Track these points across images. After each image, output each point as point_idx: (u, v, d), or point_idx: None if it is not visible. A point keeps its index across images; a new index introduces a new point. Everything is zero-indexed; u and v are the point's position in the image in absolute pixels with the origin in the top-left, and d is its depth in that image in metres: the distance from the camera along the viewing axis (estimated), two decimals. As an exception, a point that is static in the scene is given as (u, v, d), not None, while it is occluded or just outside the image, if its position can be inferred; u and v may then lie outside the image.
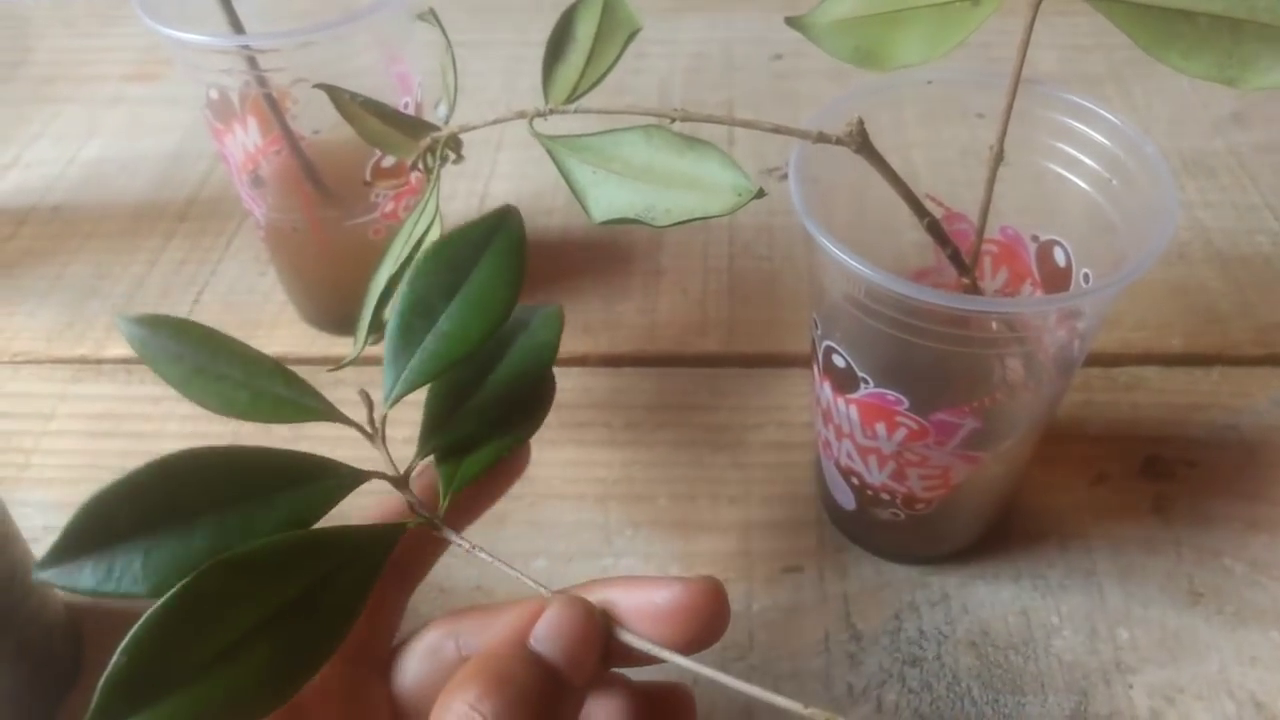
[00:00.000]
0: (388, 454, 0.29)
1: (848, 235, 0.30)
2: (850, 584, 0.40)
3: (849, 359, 0.34)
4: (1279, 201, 0.56)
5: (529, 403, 0.31)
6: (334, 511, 0.26)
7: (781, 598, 0.40)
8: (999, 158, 0.31)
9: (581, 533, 0.42)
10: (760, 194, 0.26)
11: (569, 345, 0.49)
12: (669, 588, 0.25)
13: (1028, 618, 0.39)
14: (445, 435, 0.29)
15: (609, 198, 0.28)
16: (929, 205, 0.32)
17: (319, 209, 0.45)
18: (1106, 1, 0.27)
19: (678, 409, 0.47)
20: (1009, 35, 0.30)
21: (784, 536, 0.42)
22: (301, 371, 0.28)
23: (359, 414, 0.29)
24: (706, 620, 0.25)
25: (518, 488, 0.43)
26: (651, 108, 0.29)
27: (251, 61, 0.40)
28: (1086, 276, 0.35)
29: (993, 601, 0.39)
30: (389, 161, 0.44)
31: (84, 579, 0.23)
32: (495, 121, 0.31)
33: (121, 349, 0.50)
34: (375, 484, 0.28)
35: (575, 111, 0.31)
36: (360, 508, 0.29)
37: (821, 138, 0.29)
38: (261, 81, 0.40)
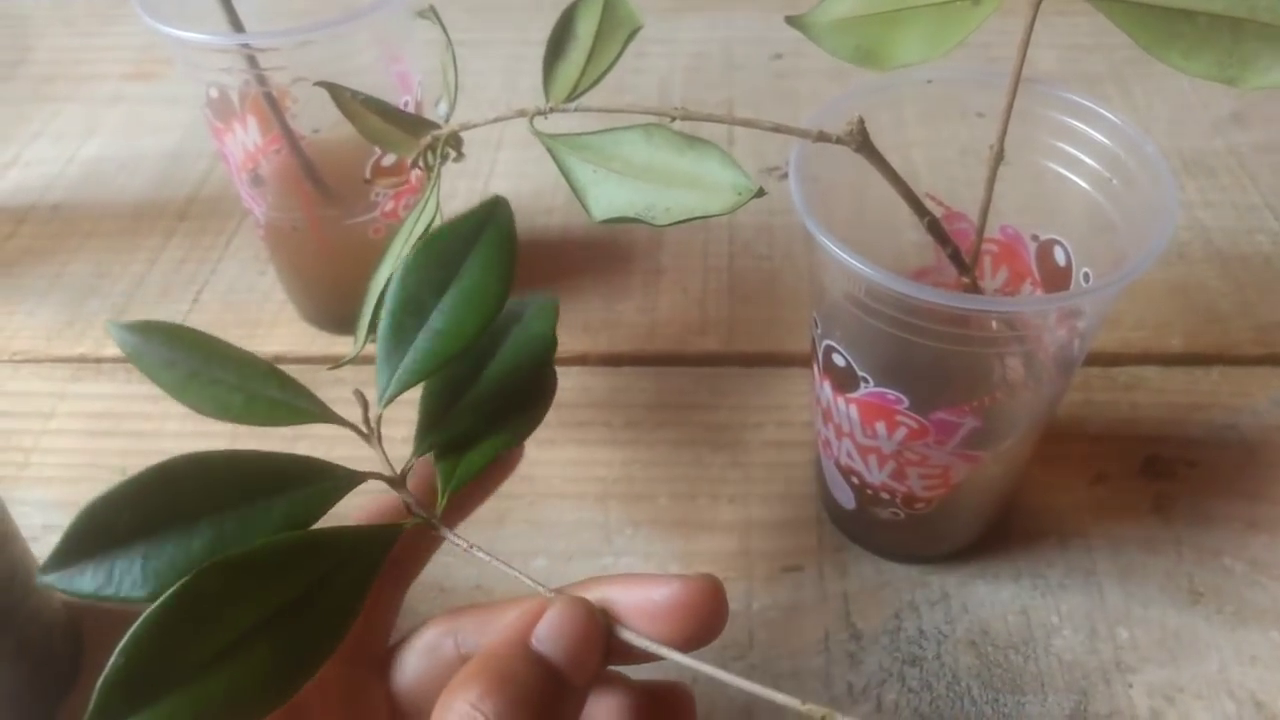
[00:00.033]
0: (384, 454, 0.29)
1: (848, 234, 0.30)
2: (850, 583, 0.40)
3: (849, 358, 0.34)
4: (1279, 201, 0.56)
5: (527, 397, 0.30)
6: (331, 510, 0.26)
7: (781, 597, 0.40)
8: (999, 157, 0.31)
9: (581, 532, 0.42)
10: (760, 193, 0.26)
11: (569, 344, 0.49)
12: (667, 585, 0.25)
13: (1027, 617, 0.39)
14: (442, 433, 0.29)
15: (609, 196, 0.28)
16: (929, 204, 0.32)
17: (319, 208, 0.45)
18: (1107, 1, 0.27)
19: (678, 408, 0.47)
20: (1009, 35, 0.30)
21: (784, 536, 0.42)
22: (301, 370, 0.28)
23: (358, 413, 0.29)
24: (705, 617, 0.25)
25: (517, 487, 0.43)
26: (652, 106, 0.29)
27: (251, 60, 0.40)
28: (1086, 276, 0.34)
29: (993, 601, 0.39)
30: (389, 160, 0.44)
31: (85, 583, 0.23)
32: (496, 120, 0.30)
33: (121, 348, 0.50)
34: (372, 484, 0.28)
35: (576, 110, 0.31)
36: (357, 506, 0.29)
37: (822, 137, 0.29)
38: (261, 80, 0.40)
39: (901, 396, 0.33)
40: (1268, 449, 0.44)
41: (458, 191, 0.58)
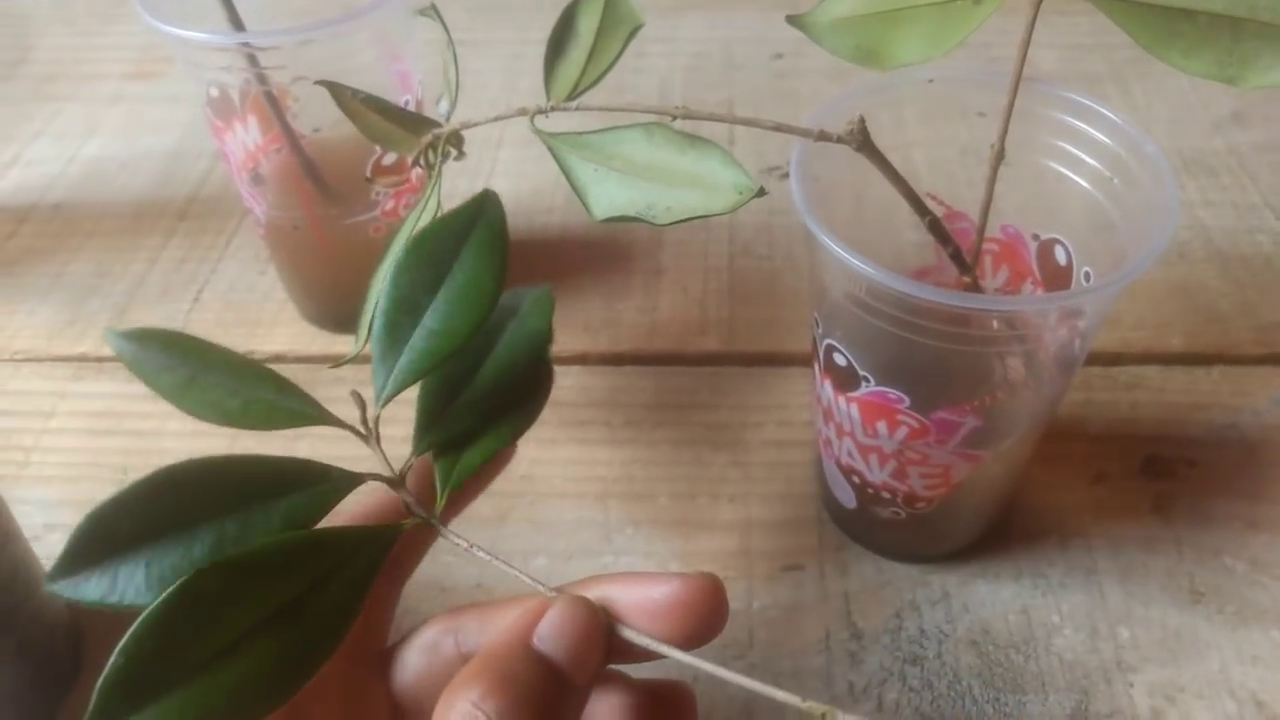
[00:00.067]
0: (383, 454, 0.29)
1: (848, 234, 0.30)
2: (851, 582, 0.40)
3: (850, 357, 0.34)
4: (1279, 200, 0.56)
5: (524, 393, 0.30)
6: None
7: (782, 596, 0.40)
8: (1000, 156, 0.31)
9: (581, 531, 0.42)
10: (761, 192, 0.26)
11: (569, 344, 0.49)
12: (667, 583, 0.25)
13: (1028, 616, 0.39)
14: (440, 432, 0.29)
15: (610, 195, 0.28)
16: (930, 204, 0.32)
17: (319, 207, 0.45)
18: (1107, 0, 0.27)
19: (678, 408, 0.47)
20: (1009, 35, 0.30)
21: (784, 535, 0.42)
22: (302, 369, 0.28)
23: (356, 414, 0.29)
24: (705, 615, 0.25)
25: (518, 486, 0.43)
26: (653, 105, 0.29)
27: (252, 59, 0.40)
28: (1087, 275, 0.34)
29: (993, 600, 0.39)
30: (389, 159, 0.44)
31: (90, 591, 0.23)
32: (497, 118, 0.30)
33: (122, 347, 0.50)
34: (371, 483, 0.28)
35: (576, 109, 0.31)
36: (352, 503, 0.29)
37: (823, 136, 0.29)
38: (262, 79, 0.40)
39: (902, 396, 0.33)
40: (1268, 448, 0.44)
41: (458, 190, 0.57)
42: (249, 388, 0.28)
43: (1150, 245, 0.29)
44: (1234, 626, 0.38)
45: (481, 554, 0.27)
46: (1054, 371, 0.34)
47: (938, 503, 0.37)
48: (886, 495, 0.37)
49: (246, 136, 0.43)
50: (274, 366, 0.29)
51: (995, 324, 0.31)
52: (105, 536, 0.23)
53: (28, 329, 0.52)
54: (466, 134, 0.33)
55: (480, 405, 0.30)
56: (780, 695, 0.22)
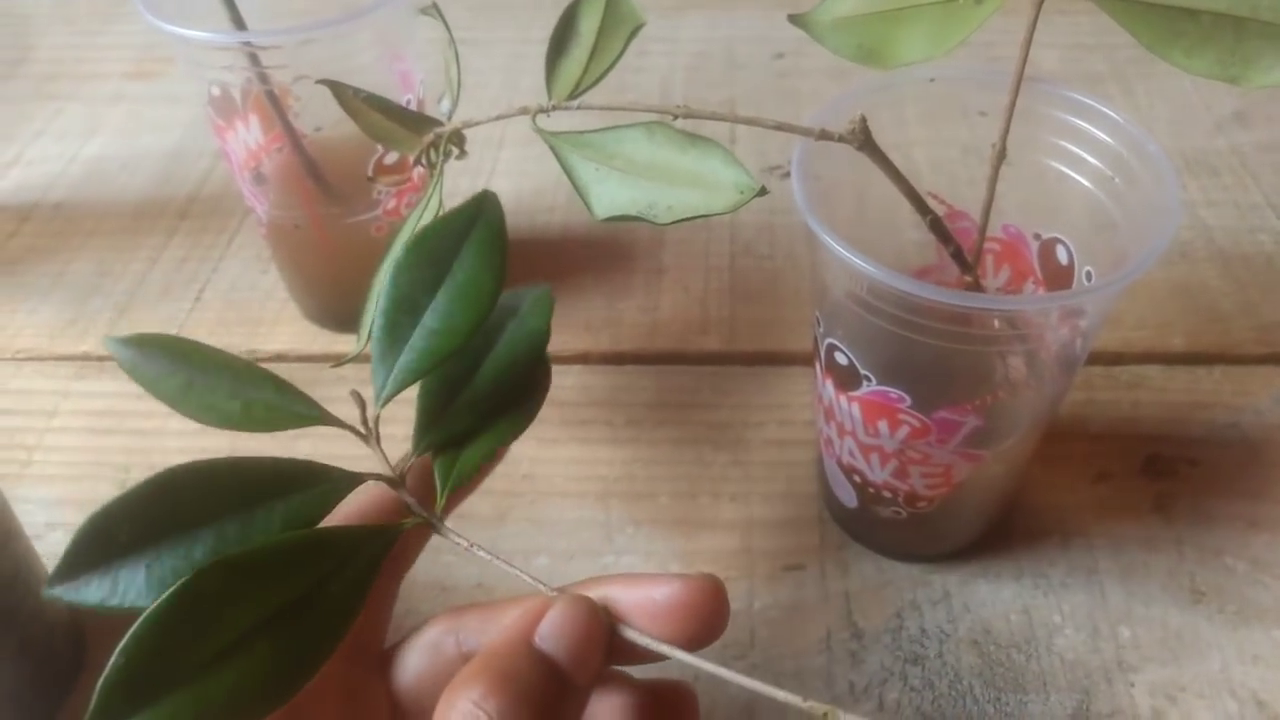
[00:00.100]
0: (383, 454, 0.29)
1: (849, 233, 0.30)
2: (852, 582, 0.40)
3: (851, 356, 0.34)
4: (1281, 200, 0.56)
5: (523, 392, 0.30)
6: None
7: (783, 596, 0.40)
8: (1001, 155, 0.31)
9: (582, 530, 0.42)
10: (763, 192, 0.26)
11: (570, 343, 0.49)
12: (668, 585, 0.25)
13: (1029, 616, 0.39)
14: (440, 431, 0.29)
15: (611, 195, 0.28)
16: (931, 203, 0.32)
17: (321, 206, 0.45)
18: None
19: (679, 407, 0.47)
20: (1011, 34, 0.30)
21: (785, 534, 0.42)
22: (303, 368, 0.28)
23: (357, 414, 0.29)
24: (706, 617, 0.25)
25: (518, 485, 0.43)
26: (654, 105, 0.29)
27: (253, 58, 0.40)
28: (1089, 275, 0.34)
29: (994, 600, 0.39)
30: (391, 158, 0.44)
31: (90, 594, 0.23)
32: (499, 117, 0.30)
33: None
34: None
35: (578, 108, 0.31)
36: (351, 502, 0.28)
37: (824, 135, 0.29)
38: (263, 78, 0.40)
39: (904, 395, 0.33)
40: (1270, 448, 0.44)
41: (460, 189, 0.57)
42: (248, 390, 0.28)
43: (1152, 245, 0.29)
44: (1235, 626, 0.38)
45: (482, 553, 0.27)
46: (1055, 371, 0.34)
47: (939, 502, 0.37)
48: (888, 494, 0.37)
49: (248, 136, 0.43)
50: (275, 366, 0.29)
51: (996, 323, 0.31)
52: (105, 539, 0.23)
53: (30, 328, 0.52)
54: (468, 133, 0.33)
55: (480, 405, 0.30)
56: (781, 695, 0.22)
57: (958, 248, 0.33)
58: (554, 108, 0.31)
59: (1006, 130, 0.31)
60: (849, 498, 0.39)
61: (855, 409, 0.35)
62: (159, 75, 0.69)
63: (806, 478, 0.44)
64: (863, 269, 0.29)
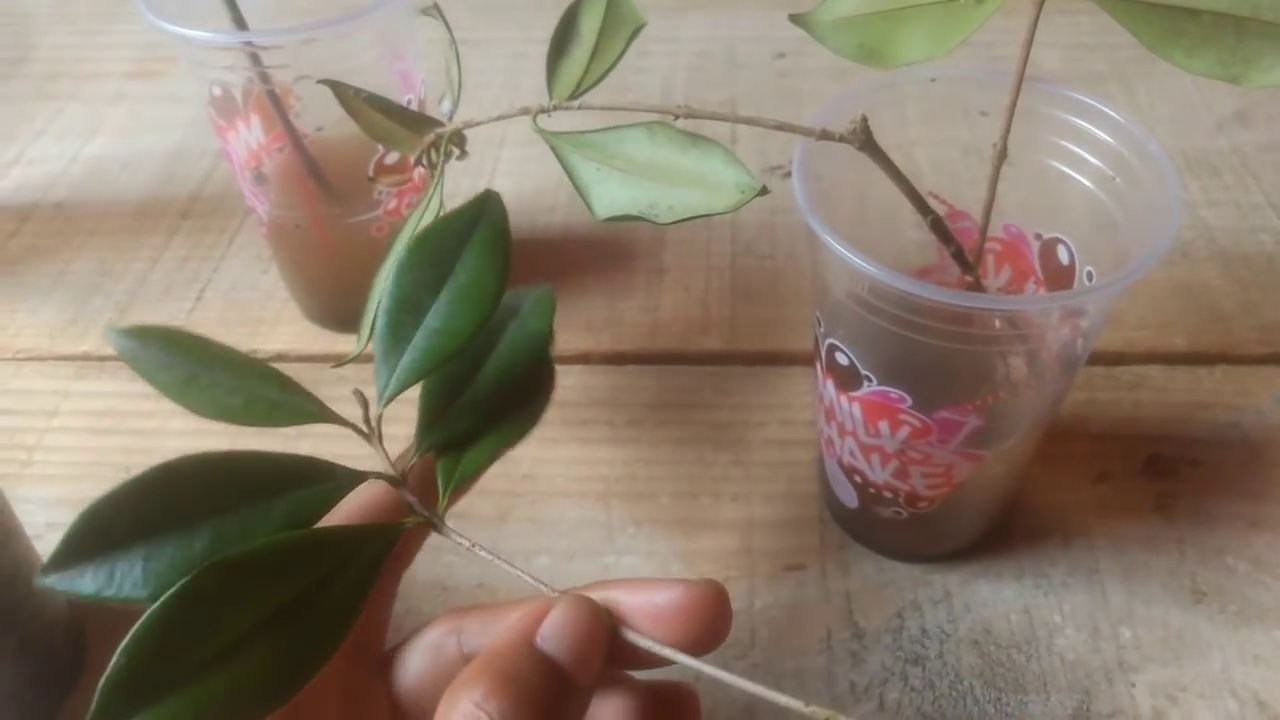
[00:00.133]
0: (385, 453, 0.29)
1: (850, 233, 0.30)
2: (852, 582, 0.40)
3: (852, 356, 0.34)
4: (1282, 200, 0.56)
5: (526, 394, 0.30)
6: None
7: (784, 596, 0.40)
8: (1002, 155, 0.31)
9: (583, 530, 0.42)
10: (763, 191, 0.26)
11: (571, 343, 0.49)
12: (671, 589, 0.25)
13: (1030, 616, 0.39)
14: (442, 431, 0.29)
15: (612, 195, 0.28)
16: (932, 203, 0.32)
17: (322, 206, 0.45)
18: (1111, -1, 0.27)
19: (680, 407, 0.47)
20: (1012, 34, 0.30)
21: (786, 534, 0.42)
22: (304, 369, 0.28)
23: (359, 413, 0.29)
24: (708, 622, 0.25)
25: (519, 485, 0.43)
26: (655, 105, 0.29)
27: (255, 58, 0.40)
28: (1090, 275, 0.34)
29: (995, 600, 0.39)
30: (392, 158, 0.44)
31: (85, 585, 0.23)
32: (500, 117, 0.30)
33: (124, 346, 0.50)
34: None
35: (579, 108, 0.31)
36: (349, 501, 0.28)
37: (825, 135, 0.29)
38: (265, 78, 0.40)
39: (904, 395, 0.33)
40: (1271, 448, 0.44)
41: (460, 190, 0.57)
42: (251, 385, 0.28)
43: (1153, 245, 0.29)
44: (1236, 626, 0.38)
45: (484, 553, 0.27)
46: (1056, 371, 0.34)
47: (940, 502, 0.37)
48: (888, 495, 0.37)
49: (249, 135, 0.43)
50: (276, 366, 0.29)
51: (997, 323, 0.31)
52: (103, 530, 0.23)
53: (30, 328, 0.52)
54: (469, 133, 0.33)
55: (482, 405, 0.30)
56: (783, 700, 0.22)
57: (959, 248, 0.33)
58: (555, 108, 0.31)
59: (1007, 130, 0.31)
60: (850, 498, 0.39)
61: (856, 409, 0.35)
62: (160, 75, 0.69)
63: (807, 478, 0.44)
64: (864, 269, 0.29)
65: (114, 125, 0.65)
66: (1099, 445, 0.44)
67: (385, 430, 0.29)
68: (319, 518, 0.26)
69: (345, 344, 0.50)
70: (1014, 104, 0.30)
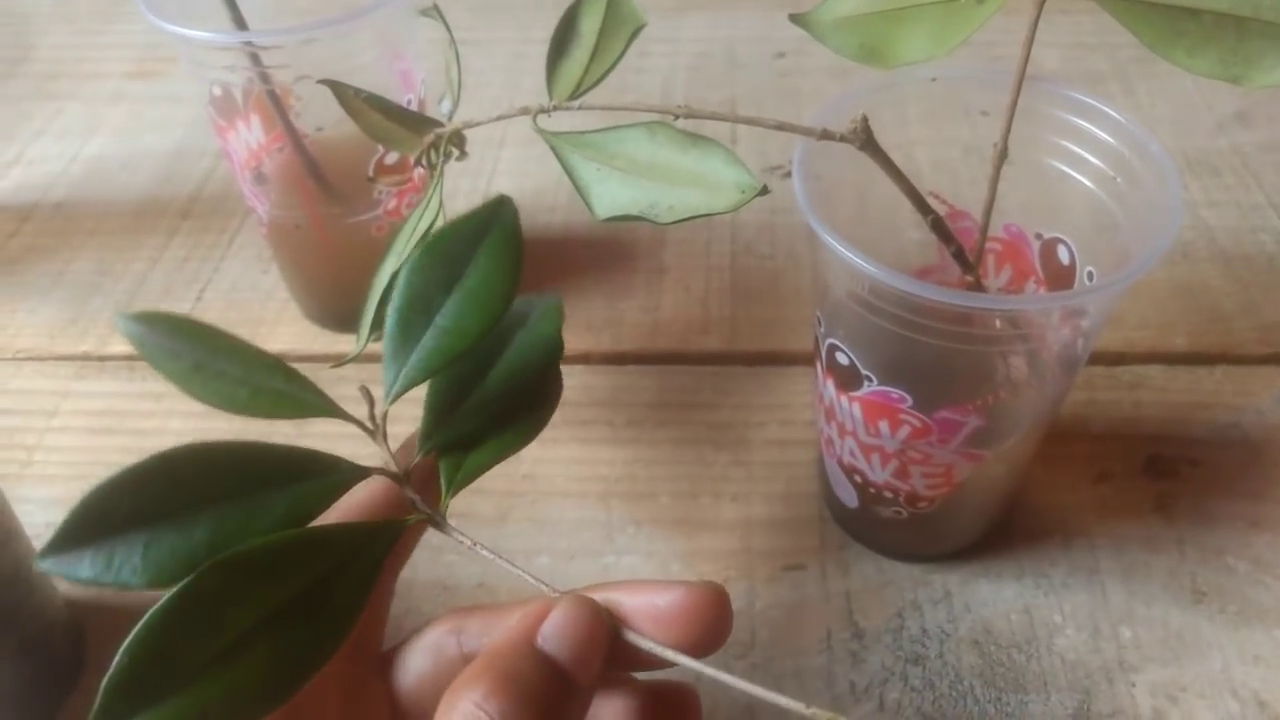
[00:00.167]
0: (389, 451, 0.29)
1: (850, 233, 0.30)
2: (852, 582, 0.40)
3: (852, 356, 0.34)
4: (1282, 200, 0.56)
5: (533, 399, 0.30)
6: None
7: (783, 596, 0.40)
8: (1003, 155, 0.31)
9: (583, 530, 0.42)
10: (764, 191, 0.26)
11: (572, 343, 0.49)
12: (670, 591, 0.25)
13: (1030, 616, 0.39)
14: (447, 432, 0.29)
15: (612, 195, 0.28)
16: (932, 203, 0.32)
17: (322, 206, 0.45)
18: (1111, -1, 0.27)
19: (680, 407, 0.47)
20: (1012, 33, 0.30)
21: (786, 534, 0.42)
22: (304, 369, 0.28)
23: (361, 412, 0.29)
24: (709, 624, 0.25)
25: (520, 485, 0.43)
26: (655, 105, 0.29)
27: (255, 58, 0.40)
28: (1090, 274, 0.34)
29: (995, 600, 0.39)
30: (392, 158, 0.44)
31: (83, 569, 0.23)
32: (500, 118, 0.30)
33: (124, 346, 0.50)
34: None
35: (579, 108, 0.31)
36: (347, 497, 0.28)
37: (825, 135, 0.29)
38: (265, 78, 0.40)
39: (905, 395, 0.33)
40: (1271, 448, 0.44)
41: (460, 190, 0.58)
42: (257, 376, 0.28)
43: (1154, 245, 0.29)
44: (1236, 626, 0.38)
45: (485, 552, 0.27)
46: (1057, 371, 0.34)
47: (940, 502, 0.37)
48: (888, 495, 0.37)
49: (249, 135, 0.43)
50: (276, 365, 0.29)
51: (998, 323, 0.31)
52: (103, 516, 0.23)
53: (30, 328, 0.52)
54: (469, 133, 0.33)
55: (488, 408, 0.30)
56: (784, 702, 0.22)
57: (959, 247, 0.33)
58: (555, 108, 0.31)
59: (1008, 130, 0.31)
60: (850, 498, 0.39)
61: (856, 409, 0.35)
62: (160, 75, 0.69)
63: (807, 478, 0.44)
64: (864, 269, 0.29)
65: (114, 125, 0.65)
66: (1099, 445, 0.44)
67: (389, 429, 0.29)
68: (321, 511, 0.26)
69: (345, 344, 0.50)
70: (1015, 104, 0.30)
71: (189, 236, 0.56)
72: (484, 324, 0.28)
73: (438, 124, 0.33)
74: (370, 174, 0.44)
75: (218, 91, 0.42)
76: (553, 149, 0.29)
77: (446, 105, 0.35)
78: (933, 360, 0.32)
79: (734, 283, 0.52)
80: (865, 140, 0.29)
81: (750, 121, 0.29)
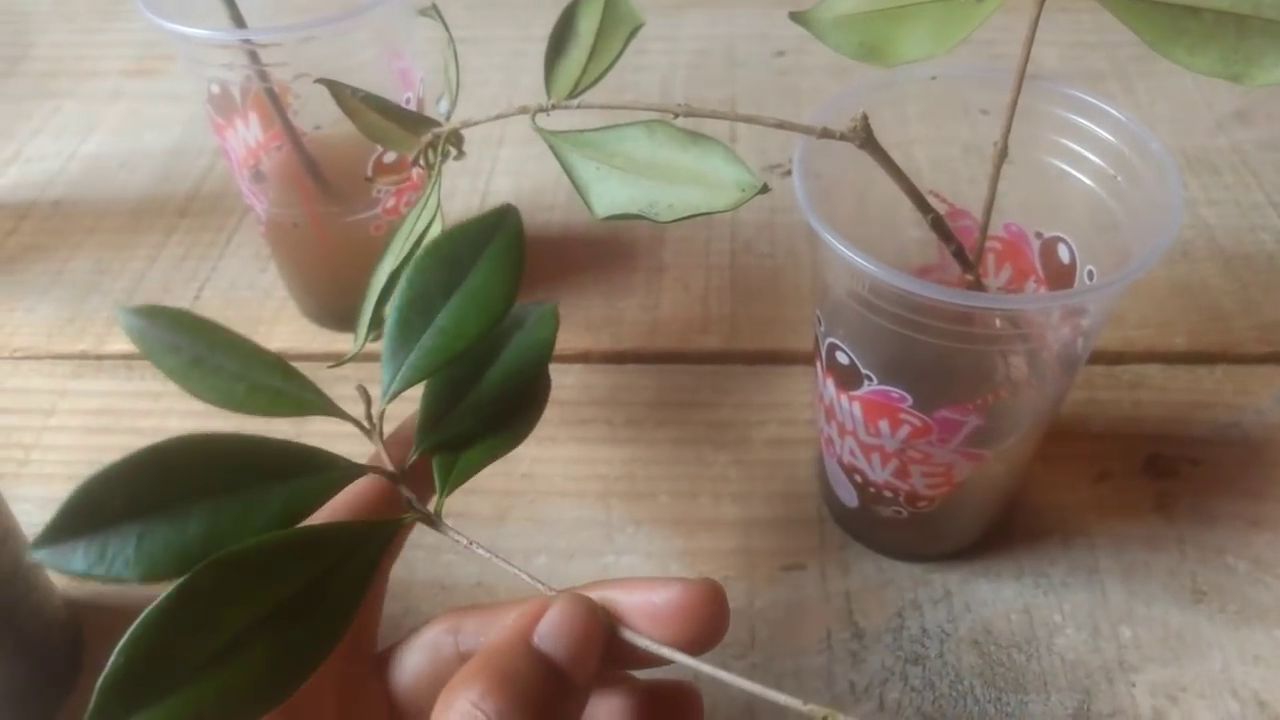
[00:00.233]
0: (385, 449, 0.29)
1: (850, 231, 0.30)
2: (852, 582, 0.40)
3: (852, 356, 0.33)
4: (1283, 199, 0.55)
5: (525, 400, 0.31)
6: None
7: (783, 595, 0.40)
8: (1003, 154, 0.31)
9: (582, 530, 0.42)
10: (764, 189, 0.26)
11: (571, 342, 0.49)
12: (667, 589, 0.25)
13: (1030, 616, 0.39)
14: (442, 432, 0.29)
15: (611, 193, 0.28)
16: (932, 201, 0.31)
17: (320, 204, 0.45)
18: (1112, -3, 0.27)
19: (679, 406, 0.47)
20: (1012, 32, 0.30)
21: (786, 534, 0.42)
22: (302, 368, 0.28)
23: (358, 410, 0.29)
24: (706, 621, 0.25)
25: (519, 484, 0.43)
26: (654, 103, 0.29)
27: (253, 56, 0.40)
28: (1090, 273, 0.34)
29: (995, 599, 0.39)
30: (390, 157, 0.44)
31: (76, 561, 0.22)
32: (498, 117, 0.30)
33: (122, 345, 0.50)
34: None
35: (578, 107, 0.31)
36: (340, 496, 0.28)
37: (826, 133, 0.29)
38: (263, 76, 0.40)
39: (905, 394, 0.33)
40: (1271, 447, 0.44)
41: (459, 190, 0.58)
42: (255, 372, 0.28)
43: (1154, 243, 0.29)
44: (1236, 626, 0.38)
45: (482, 552, 0.27)
46: (1057, 370, 0.34)
47: (940, 502, 0.37)
48: (888, 494, 0.37)
49: (247, 133, 0.43)
50: (274, 365, 0.29)
51: (998, 322, 0.31)
52: (97, 507, 0.23)
53: (27, 326, 0.52)
54: (467, 132, 0.33)
55: (484, 410, 0.30)
56: (782, 698, 0.22)
57: (959, 246, 0.33)
58: (554, 107, 0.31)
59: (1008, 128, 0.31)
60: (850, 497, 0.39)
61: (856, 408, 0.35)
62: (158, 73, 0.69)
63: (807, 477, 0.44)
64: (864, 268, 0.29)
65: (112, 123, 0.65)
66: (1099, 444, 0.44)
67: (386, 427, 0.29)
68: (316, 508, 0.26)
69: (343, 342, 0.50)
70: (1015, 102, 0.30)
71: (187, 235, 0.56)
72: (483, 326, 0.28)
73: (435, 123, 0.33)
74: (369, 173, 0.44)
75: (216, 89, 0.42)
76: (551, 148, 0.29)
77: (444, 105, 0.35)
78: (933, 359, 0.32)
79: (734, 281, 0.52)
80: (865, 139, 0.29)
81: (750, 120, 0.29)
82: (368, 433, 0.29)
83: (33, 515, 0.42)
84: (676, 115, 0.28)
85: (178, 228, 0.57)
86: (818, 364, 0.36)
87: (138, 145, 0.63)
